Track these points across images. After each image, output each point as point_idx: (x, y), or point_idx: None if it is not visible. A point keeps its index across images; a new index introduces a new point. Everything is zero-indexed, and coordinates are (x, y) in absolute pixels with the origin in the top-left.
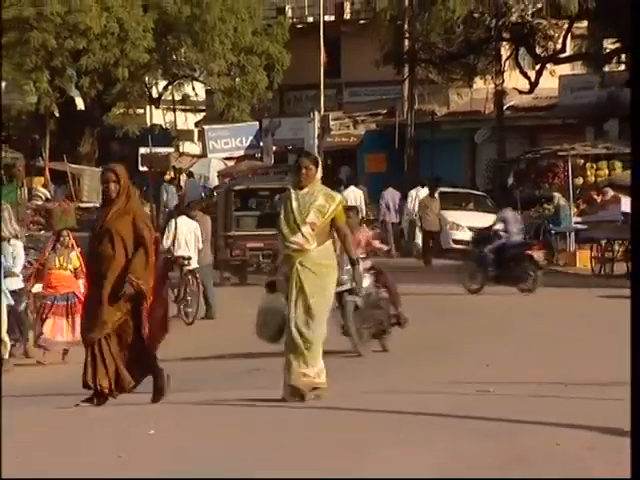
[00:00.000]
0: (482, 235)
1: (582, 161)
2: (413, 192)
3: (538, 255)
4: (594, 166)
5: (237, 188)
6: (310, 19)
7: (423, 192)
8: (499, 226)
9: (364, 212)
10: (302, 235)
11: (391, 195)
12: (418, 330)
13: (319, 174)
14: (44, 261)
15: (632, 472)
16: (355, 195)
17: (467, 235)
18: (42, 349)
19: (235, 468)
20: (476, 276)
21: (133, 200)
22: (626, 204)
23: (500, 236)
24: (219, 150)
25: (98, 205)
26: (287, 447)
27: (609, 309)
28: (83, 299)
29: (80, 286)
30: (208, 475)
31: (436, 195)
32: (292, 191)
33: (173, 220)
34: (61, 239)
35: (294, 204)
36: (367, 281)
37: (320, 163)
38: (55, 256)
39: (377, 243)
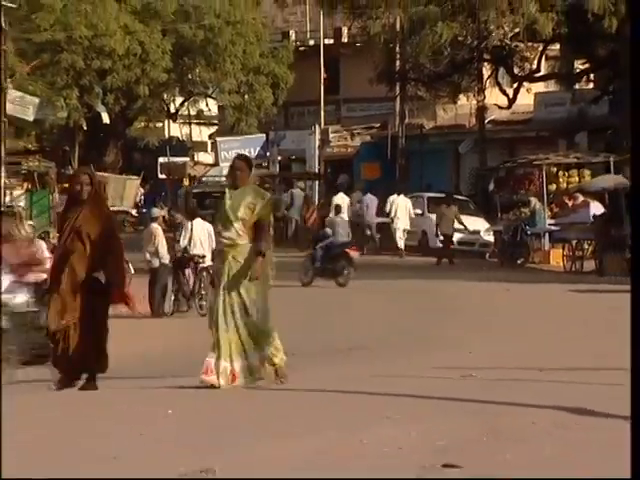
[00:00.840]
0: (318, 235)
1: (555, 169)
2: (391, 198)
3: (354, 254)
4: (566, 174)
5: (195, 191)
6: (311, 42)
7: (400, 198)
8: (327, 229)
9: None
10: (235, 231)
11: (370, 200)
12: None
13: (252, 174)
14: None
15: (632, 472)
16: (404, 203)
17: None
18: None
19: (251, 439)
20: (308, 270)
21: (103, 202)
22: (594, 208)
23: (328, 236)
24: (230, 159)
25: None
26: (293, 421)
27: (579, 302)
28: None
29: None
30: (226, 446)
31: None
32: (227, 191)
33: (189, 222)
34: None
35: (228, 203)
36: (22, 297)
37: (252, 165)
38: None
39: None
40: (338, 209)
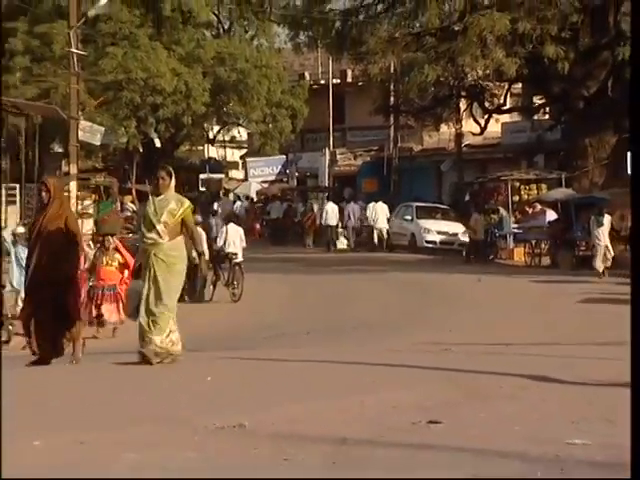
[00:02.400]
0: None
1: (518, 184)
2: (371, 204)
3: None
4: (526, 187)
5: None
6: (322, 82)
7: (378, 205)
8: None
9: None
10: (156, 232)
11: (352, 208)
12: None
13: (173, 183)
14: (95, 259)
15: (632, 472)
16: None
17: (436, 237)
18: (98, 326)
19: (274, 401)
20: None
21: (65, 206)
22: (549, 215)
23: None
24: (257, 176)
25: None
26: (307, 387)
27: (537, 290)
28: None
29: (122, 278)
30: (254, 407)
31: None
32: (150, 197)
33: (225, 226)
34: (106, 243)
35: (151, 208)
36: None
37: (173, 174)
38: (103, 256)
39: None
40: (327, 215)
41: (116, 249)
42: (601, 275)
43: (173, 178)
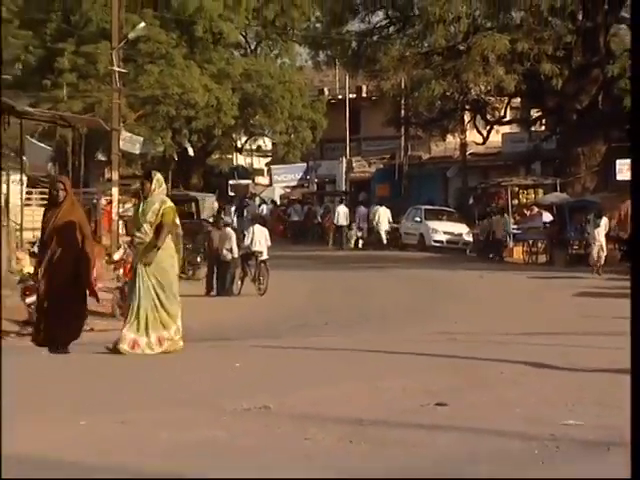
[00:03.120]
0: None
1: (517, 189)
2: (375, 208)
3: None
4: (525, 192)
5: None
6: (340, 97)
7: (381, 209)
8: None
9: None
10: (144, 231)
11: (361, 211)
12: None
13: (157, 187)
14: (126, 257)
15: (632, 472)
16: (384, 212)
17: (442, 237)
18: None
19: (296, 386)
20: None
21: (76, 205)
22: (545, 217)
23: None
24: (280, 181)
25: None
26: (326, 373)
27: (534, 285)
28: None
29: None
30: (277, 391)
31: (505, 215)
32: (139, 200)
33: (251, 227)
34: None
35: (140, 209)
36: None
37: (154, 179)
38: (131, 255)
39: None
40: (338, 216)
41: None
42: (598, 272)
43: (155, 181)
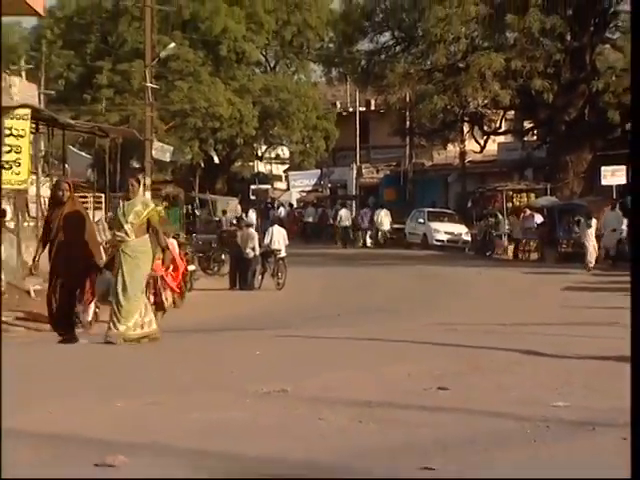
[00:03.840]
0: None
1: (511, 193)
2: (377, 211)
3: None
4: (518, 196)
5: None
6: (350, 109)
7: (382, 211)
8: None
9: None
10: (124, 231)
11: (364, 212)
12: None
13: (141, 189)
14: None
15: (632, 472)
16: (386, 214)
17: (443, 236)
18: (157, 311)
19: (309, 371)
20: None
21: (78, 203)
22: (537, 218)
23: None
24: (297, 186)
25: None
26: (336, 359)
27: (527, 280)
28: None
29: (168, 270)
30: (293, 375)
31: (500, 216)
32: (121, 201)
33: (270, 228)
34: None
35: (121, 210)
36: None
37: (142, 182)
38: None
39: None
40: (341, 218)
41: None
42: (590, 269)
43: (141, 185)
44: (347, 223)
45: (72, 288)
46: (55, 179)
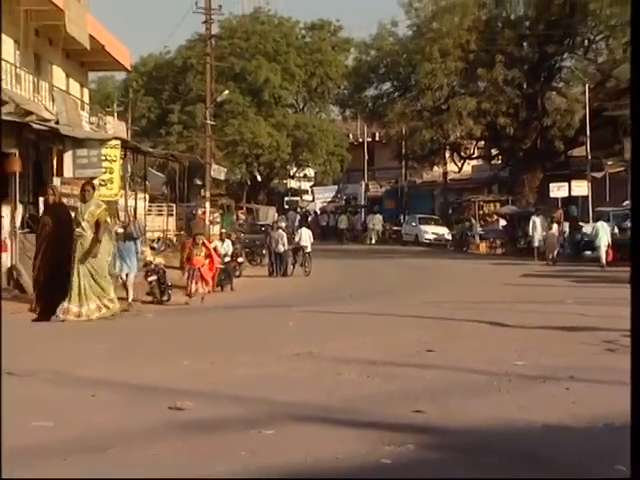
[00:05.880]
0: None
1: (482, 203)
2: (370, 216)
3: None
4: (487, 205)
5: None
6: (360, 140)
7: (376, 216)
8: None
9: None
10: (82, 228)
11: (357, 218)
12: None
13: (95, 193)
14: (190, 251)
15: (632, 472)
16: (378, 218)
17: (431, 236)
18: (189, 296)
19: (330, 337)
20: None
21: (63, 205)
22: (502, 222)
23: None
24: (320, 198)
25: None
26: (350, 329)
27: (494, 269)
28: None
29: (205, 263)
30: (317, 341)
31: (473, 221)
32: (79, 203)
33: (300, 229)
34: (196, 240)
35: (80, 210)
36: None
37: (95, 187)
38: (194, 249)
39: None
40: (340, 222)
41: (203, 244)
42: (550, 262)
43: (95, 190)
44: (345, 226)
45: (55, 273)
46: (132, 193)
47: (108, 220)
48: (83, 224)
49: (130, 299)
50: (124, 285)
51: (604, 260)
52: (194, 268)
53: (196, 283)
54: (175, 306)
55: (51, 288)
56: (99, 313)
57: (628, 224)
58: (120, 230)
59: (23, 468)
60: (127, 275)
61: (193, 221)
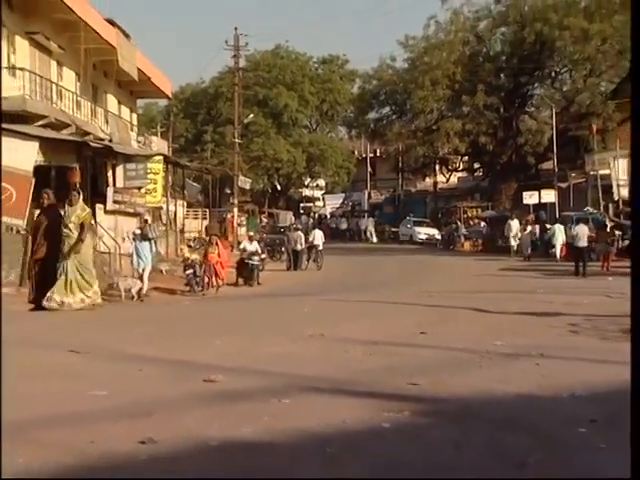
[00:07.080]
0: None
1: (466, 209)
2: (364, 219)
3: None
4: (470, 210)
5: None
6: (364, 155)
7: (369, 219)
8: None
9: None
10: (69, 229)
11: (357, 221)
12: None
13: (81, 198)
14: (206, 249)
15: (632, 472)
16: (371, 221)
17: (423, 236)
18: (204, 288)
19: (338, 322)
20: None
21: (56, 208)
22: (484, 224)
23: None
24: (330, 205)
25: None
26: (355, 314)
27: (476, 264)
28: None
29: (218, 260)
30: (328, 325)
31: (459, 223)
32: (66, 206)
33: (313, 230)
34: (212, 239)
35: (67, 213)
36: None
37: (81, 194)
38: (209, 247)
39: None
40: (341, 224)
41: (216, 243)
42: (526, 258)
43: (81, 195)
44: (344, 227)
45: (48, 270)
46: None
47: (92, 222)
48: (70, 225)
49: (144, 290)
50: (141, 278)
51: (559, 256)
52: (209, 264)
53: (210, 277)
54: (208, 296)
55: (45, 280)
56: (83, 304)
57: (574, 227)
58: (138, 231)
59: (79, 430)
60: (143, 270)
61: (212, 222)
